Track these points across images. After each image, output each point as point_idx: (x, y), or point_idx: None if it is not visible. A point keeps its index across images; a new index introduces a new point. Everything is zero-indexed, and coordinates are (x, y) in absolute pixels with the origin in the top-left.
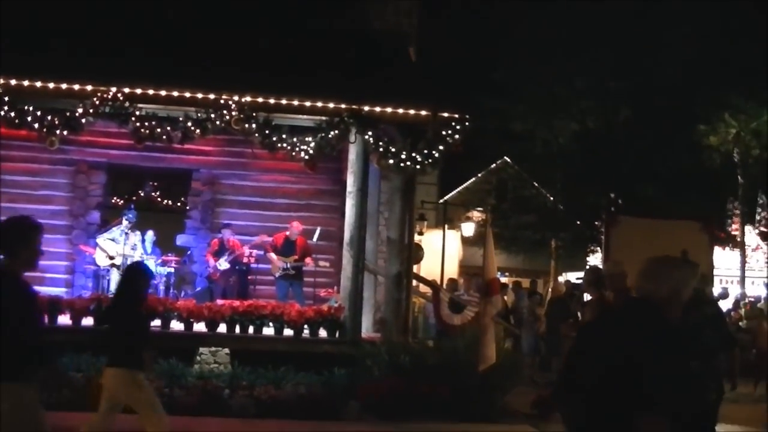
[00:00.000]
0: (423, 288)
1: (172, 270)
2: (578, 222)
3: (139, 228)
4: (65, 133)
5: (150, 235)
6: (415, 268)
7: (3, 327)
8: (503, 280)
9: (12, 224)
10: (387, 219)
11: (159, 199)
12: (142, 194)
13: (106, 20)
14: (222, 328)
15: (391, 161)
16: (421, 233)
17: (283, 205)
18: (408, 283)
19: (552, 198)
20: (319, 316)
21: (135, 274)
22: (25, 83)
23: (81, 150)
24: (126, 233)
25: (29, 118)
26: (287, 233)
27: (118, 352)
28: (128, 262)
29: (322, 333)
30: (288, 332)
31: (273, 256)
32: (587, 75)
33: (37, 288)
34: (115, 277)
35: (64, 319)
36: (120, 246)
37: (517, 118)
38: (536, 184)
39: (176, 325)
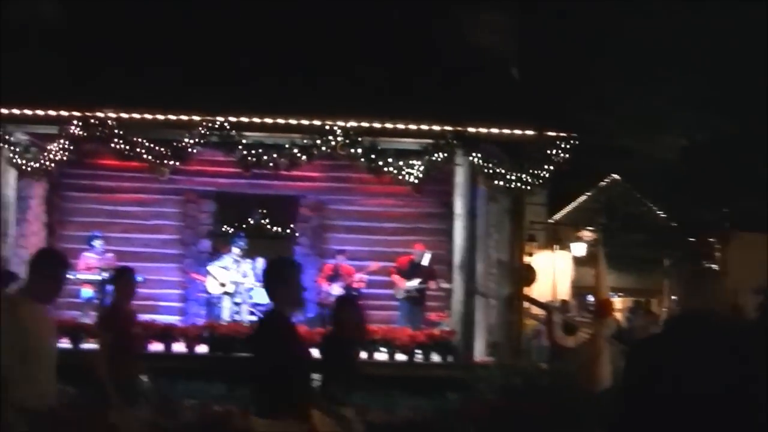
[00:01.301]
0: (535, 310)
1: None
2: (691, 239)
3: (249, 255)
4: (174, 162)
5: (260, 262)
6: (527, 289)
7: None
8: (615, 299)
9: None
10: (497, 241)
11: (267, 226)
12: (251, 221)
13: (211, 51)
14: None
15: (498, 182)
16: (531, 254)
17: (390, 229)
18: (519, 305)
19: (663, 214)
20: (430, 341)
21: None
22: (135, 116)
23: (190, 179)
24: (237, 261)
25: (139, 150)
26: (412, 256)
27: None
28: (239, 290)
29: (435, 357)
30: (400, 357)
31: (397, 278)
32: (692, 87)
33: (150, 316)
34: (227, 304)
35: (178, 347)
36: (231, 273)
37: (621, 134)
38: (646, 201)
39: None
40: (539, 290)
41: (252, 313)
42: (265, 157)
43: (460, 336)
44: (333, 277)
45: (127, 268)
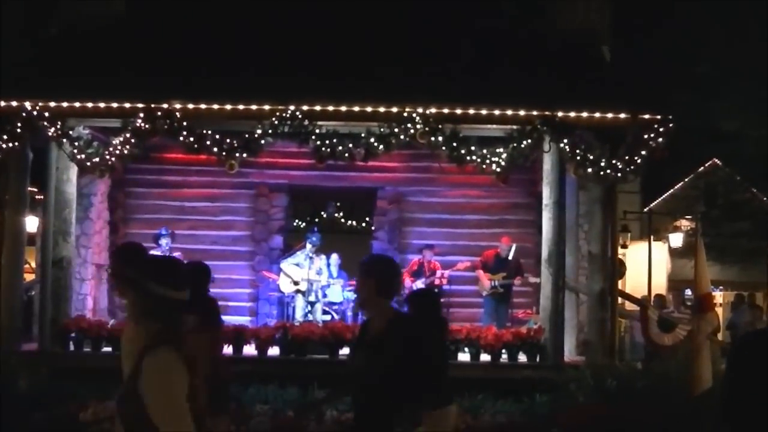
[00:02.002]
0: (629, 306)
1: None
2: None
3: (323, 251)
4: (244, 155)
5: (335, 258)
6: (618, 284)
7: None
8: (716, 294)
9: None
10: (587, 232)
11: (343, 220)
12: (325, 216)
13: (282, 38)
14: None
15: (589, 170)
16: (624, 246)
17: (474, 222)
18: (612, 301)
19: None
20: (517, 340)
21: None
22: (203, 106)
23: (261, 172)
24: (310, 257)
25: (208, 142)
26: (498, 250)
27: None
28: (313, 288)
29: (522, 357)
30: (485, 357)
31: (482, 273)
32: None
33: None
34: (300, 303)
35: (250, 349)
36: (305, 271)
37: (724, 116)
38: (750, 187)
39: None
40: (633, 284)
41: (326, 312)
42: (340, 148)
43: (549, 334)
44: (417, 273)
45: (200, 264)
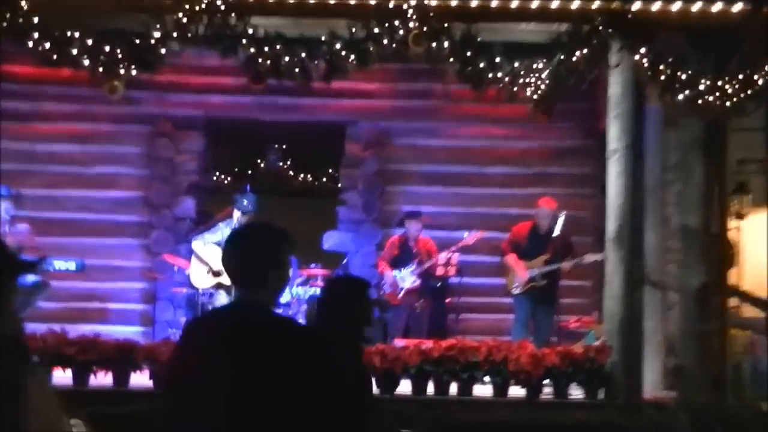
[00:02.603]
0: (748, 310)
1: (318, 291)
2: None
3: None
4: (134, 71)
5: None
6: (730, 275)
7: None
8: None
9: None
10: (679, 194)
11: (292, 174)
12: (263, 167)
13: None
14: (404, 386)
15: (682, 96)
16: (740, 216)
17: (499, 178)
18: (721, 303)
19: None
20: (568, 364)
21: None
22: None
23: (161, 98)
24: None
25: (75, 50)
26: (536, 221)
27: None
28: None
29: (575, 392)
30: (516, 391)
31: (513, 260)
32: None
33: (94, 328)
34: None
35: (140, 379)
36: None
37: None
38: None
39: None
40: (754, 277)
41: None
42: (288, 59)
43: (619, 356)
44: (400, 258)
45: None
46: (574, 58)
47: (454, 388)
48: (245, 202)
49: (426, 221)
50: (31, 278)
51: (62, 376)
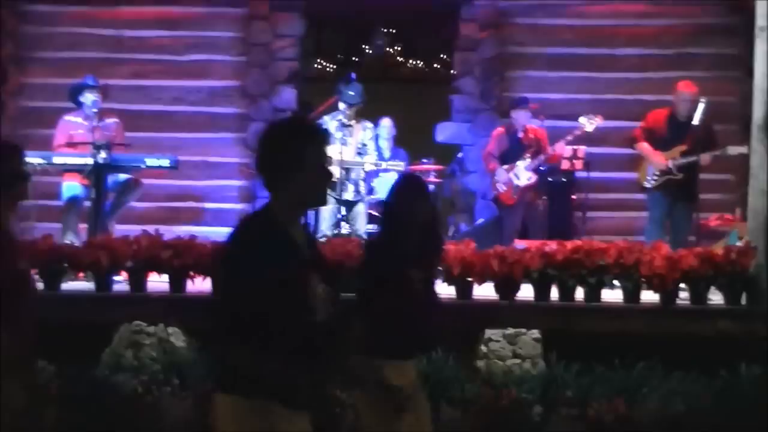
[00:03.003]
0: None
1: (432, 188)
2: None
3: (367, 114)
4: None
5: (387, 125)
6: None
7: None
8: None
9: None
10: None
11: (400, 61)
12: (369, 51)
13: None
14: (526, 291)
15: None
16: None
17: (634, 61)
18: None
19: None
20: (708, 267)
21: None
22: None
23: None
24: (345, 125)
25: None
26: (674, 108)
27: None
28: (352, 177)
29: (716, 298)
30: (649, 297)
31: (646, 147)
32: None
33: (192, 229)
34: (330, 207)
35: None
36: (336, 148)
37: None
38: None
39: (442, 289)
40: None
41: (373, 221)
42: None
43: (765, 257)
44: (510, 152)
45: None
46: None
47: (580, 294)
48: (351, 92)
49: (549, 111)
50: (122, 177)
51: (158, 281)
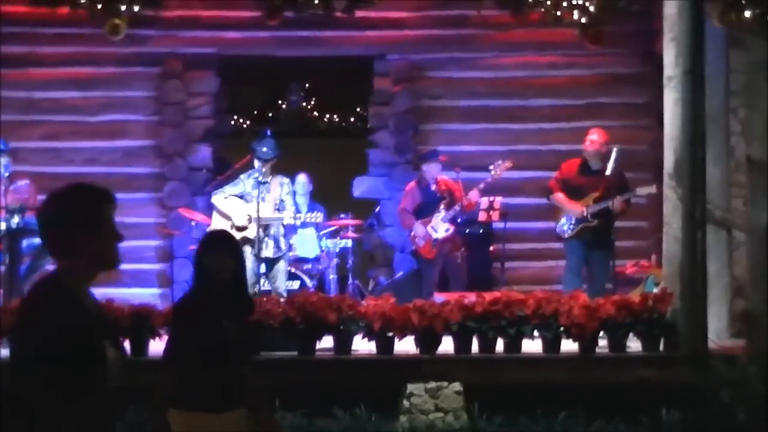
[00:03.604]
0: None
1: (349, 243)
2: None
3: (284, 168)
4: (137, 7)
5: (303, 180)
6: None
7: None
8: None
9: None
10: (744, 123)
11: (316, 115)
12: (284, 107)
13: None
14: (446, 344)
15: (748, 12)
16: None
17: (546, 111)
18: None
19: None
20: (626, 314)
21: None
22: None
23: (169, 36)
24: (261, 182)
25: None
26: (586, 156)
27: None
28: (271, 234)
29: (634, 344)
30: (569, 346)
31: (561, 197)
32: None
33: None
34: (247, 262)
35: (159, 347)
36: (253, 205)
37: None
38: None
39: (362, 345)
40: None
41: (294, 276)
42: None
43: (681, 303)
44: (425, 206)
45: None
46: None
47: (500, 345)
48: (264, 148)
49: (467, 162)
50: (36, 240)
51: None
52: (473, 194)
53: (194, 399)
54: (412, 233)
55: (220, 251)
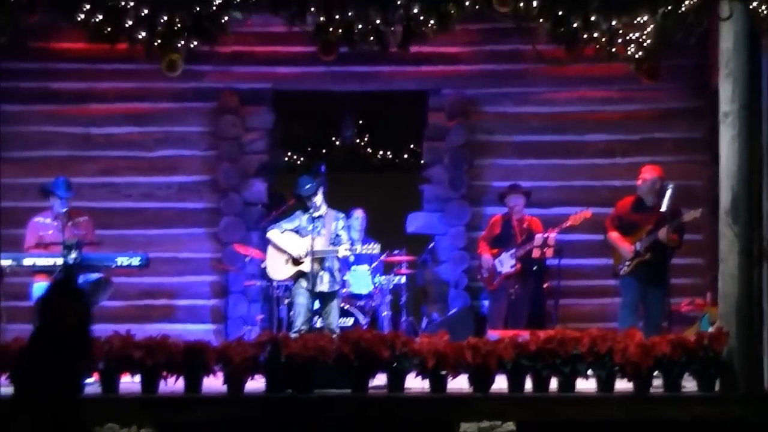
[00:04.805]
0: None
1: (403, 279)
2: None
3: (338, 204)
4: (194, 43)
5: (359, 216)
6: None
7: None
8: None
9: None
10: None
11: (369, 150)
12: (337, 143)
13: None
14: (500, 382)
15: None
16: None
17: (602, 146)
18: None
19: None
20: (681, 353)
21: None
22: None
23: (225, 71)
24: (316, 217)
25: (129, 22)
26: (638, 191)
27: None
28: (325, 269)
29: (689, 384)
30: (623, 385)
31: (616, 236)
32: None
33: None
34: (302, 299)
35: (214, 382)
36: (308, 239)
37: None
38: None
39: (414, 382)
40: None
41: (347, 313)
42: (361, 27)
43: (737, 342)
44: (501, 238)
45: None
46: (681, 9)
47: (554, 384)
48: (306, 185)
49: (525, 195)
50: (93, 276)
51: (130, 382)
52: (551, 238)
53: None
54: (479, 263)
55: (66, 298)
